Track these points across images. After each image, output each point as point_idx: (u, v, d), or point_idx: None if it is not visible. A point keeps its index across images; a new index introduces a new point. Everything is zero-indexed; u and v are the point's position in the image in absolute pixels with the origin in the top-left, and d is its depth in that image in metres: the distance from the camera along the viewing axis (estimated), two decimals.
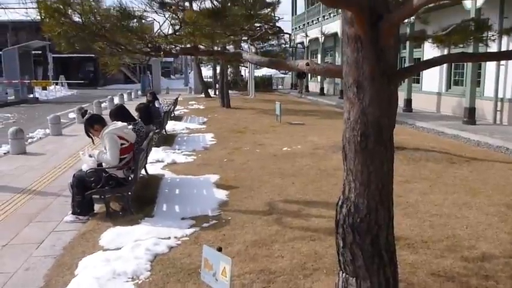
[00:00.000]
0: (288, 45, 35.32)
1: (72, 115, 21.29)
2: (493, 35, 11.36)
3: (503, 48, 15.69)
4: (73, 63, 55.03)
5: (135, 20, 4.25)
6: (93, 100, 24.94)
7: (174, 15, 4.65)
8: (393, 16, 3.42)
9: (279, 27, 6.34)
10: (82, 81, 47.20)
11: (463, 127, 16.05)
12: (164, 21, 4.61)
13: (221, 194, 7.66)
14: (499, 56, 5.37)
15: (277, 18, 7.21)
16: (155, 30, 4.64)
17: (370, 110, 3.53)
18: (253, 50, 5.04)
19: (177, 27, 4.50)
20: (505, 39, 13.48)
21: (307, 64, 4.05)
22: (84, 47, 4.34)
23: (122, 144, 6.80)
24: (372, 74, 3.50)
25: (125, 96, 32.07)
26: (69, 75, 50.09)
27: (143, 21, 4.36)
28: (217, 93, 33.57)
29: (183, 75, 72.66)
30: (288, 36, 29.17)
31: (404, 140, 12.82)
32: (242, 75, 49.64)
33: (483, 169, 9.64)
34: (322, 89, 36.53)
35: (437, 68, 20.51)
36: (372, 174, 3.47)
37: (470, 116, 16.71)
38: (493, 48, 15.19)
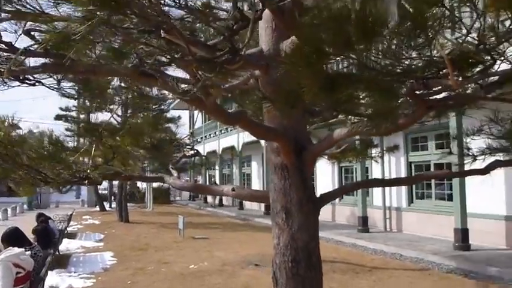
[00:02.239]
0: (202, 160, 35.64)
1: None
2: (379, 152, 12.66)
3: (387, 162, 17.48)
4: None
5: (68, 151, 4.12)
6: None
7: (107, 145, 4.59)
8: (315, 147, 3.72)
9: (197, 150, 6.47)
10: None
11: (358, 235, 16.93)
12: (94, 150, 4.52)
13: None
14: (408, 182, 5.95)
15: (194, 141, 7.42)
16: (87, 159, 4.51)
17: (299, 236, 3.64)
18: (175, 174, 5.03)
19: (110, 156, 4.43)
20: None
21: (233, 189, 4.15)
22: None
23: (17, 273, 6.05)
24: (300, 201, 3.67)
25: (9, 211, 29.27)
26: None
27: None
28: (113, 206, 32.10)
29: (74, 186, 68.87)
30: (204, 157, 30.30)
31: None
32: (138, 187, 48.47)
33: (386, 278, 10.10)
34: (221, 199, 36.80)
35: (330, 180, 22.01)
36: None
37: (364, 224, 17.80)
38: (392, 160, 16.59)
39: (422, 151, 16.58)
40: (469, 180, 12.44)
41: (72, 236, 18.68)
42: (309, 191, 3.71)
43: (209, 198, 40.20)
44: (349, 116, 3.48)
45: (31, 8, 2.33)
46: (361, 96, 2.86)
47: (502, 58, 2.37)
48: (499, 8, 1.73)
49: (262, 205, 27.58)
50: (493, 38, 2.30)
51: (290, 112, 2.95)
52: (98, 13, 1.80)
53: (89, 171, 4.11)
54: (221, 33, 2.43)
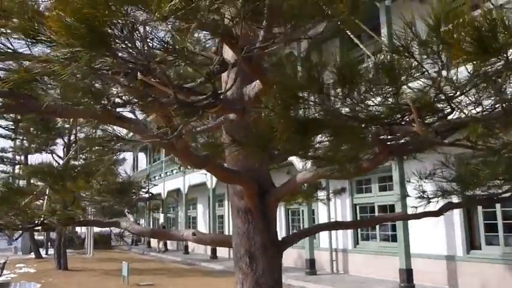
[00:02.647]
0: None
1: None
2: (326, 195, 12.93)
3: (332, 204, 17.82)
4: None
5: (20, 194, 3.87)
6: None
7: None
8: (278, 190, 3.75)
9: (152, 194, 6.36)
10: None
11: (306, 278, 16.90)
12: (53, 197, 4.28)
13: None
14: (370, 223, 6.08)
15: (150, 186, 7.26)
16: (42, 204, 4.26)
17: (264, 280, 3.60)
18: (132, 219, 4.82)
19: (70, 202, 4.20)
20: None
21: (194, 234, 4.06)
22: None
23: None
24: (264, 245, 3.65)
25: None
26: None
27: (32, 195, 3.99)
28: (50, 253, 30.20)
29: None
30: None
31: None
32: (77, 232, 46.15)
33: None
34: (165, 244, 35.70)
35: (277, 223, 22.00)
36: None
37: (311, 266, 17.82)
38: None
39: (367, 193, 17.06)
40: (411, 221, 12.91)
41: (4, 286, 17.30)
42: (272, 235, 3.71)
43: (154, 243, 38.84)
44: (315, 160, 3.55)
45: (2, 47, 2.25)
46: (326, 140, 2.95)
47: (459, 107, 2.55)
48: (466, 59, 1.88)
49: (209, 249, 27.03)
50: (452, 89, 2.47)
51: (262, 155, 2.98)
52: (83, 54, 1.77)
53: (44, 216, 3.88)
54: (202, 77, 2.46)
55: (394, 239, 14.89)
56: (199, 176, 25.50)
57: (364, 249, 16.82)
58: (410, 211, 11.47)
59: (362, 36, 15.23)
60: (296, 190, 4.28)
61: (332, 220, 18.19)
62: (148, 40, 2.21)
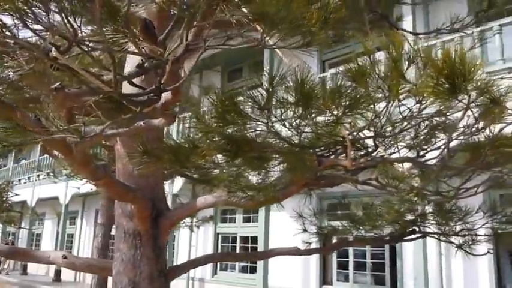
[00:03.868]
0: None
1: None
2: (195, 222, 12.59)
3: (195, 232, 17.49)
4: None
5: None
6: None
7: None
8: (175, 213, 3.38)
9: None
10: None
11: None
12: None
13: None
14: (263, 256, 5.89)
15: None
16: None
17: None
18: None
19: None
20: None
21: (64, 257, 3.43)
22: None
23: None
24: (151, 274, 3.23)
25: None
26: None
27: None
28: None
29: None
30: None
31: None
32: None
33: None
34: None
35: None
36: None
37: None
38: None
39: (231, 223, 17.10)
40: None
41: None
42: (161, 263, 3.29)
43: None
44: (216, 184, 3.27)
45: None
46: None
47: (383, 145, 2.55)
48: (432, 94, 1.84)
49: (52, 270, 24.35)
50: (378, 128, 2.45)
51: (177, 171, 2.61)
52: None
53: None
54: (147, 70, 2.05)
55: (252, 270, 15.03)
56: (51, 188, 23.13)
57: (222, 279, 16.66)
58: (275, 245, 11.68)
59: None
60: (193, 213, 3.94)
61: (193, 251, 17.87)
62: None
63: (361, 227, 4.07)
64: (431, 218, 3.79)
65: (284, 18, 1.78)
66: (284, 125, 2.23)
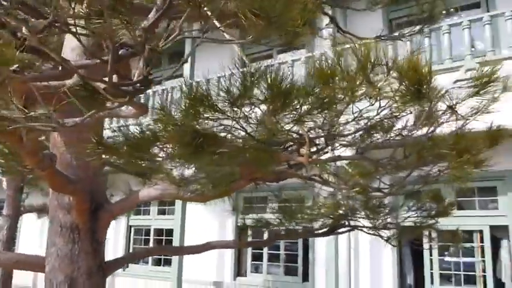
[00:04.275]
0: None
1: None
2: None
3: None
4: None
5: None
6: None
7: None
8: (115, 206, 3.27)
9: None
10: None
11: None
12: None
13: None
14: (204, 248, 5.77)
15: None
16: None
17: None
18: None
19: None
20: None
21: None
22: None
23: None
24: (90, 269, 3.10)
25: None
26: None
27: None
28: None
29: None
30: None
31: None
32: None
33: None
34: None
35: None
36: None
37: None
38: None
39: (144, 215, 16.70)
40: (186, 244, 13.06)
41: None
42: (100, 258, 3.15)
43: None
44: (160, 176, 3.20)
45: None
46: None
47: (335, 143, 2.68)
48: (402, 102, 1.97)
49: None
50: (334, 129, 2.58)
51: (134, 166, 2.51)
52: None
53: None
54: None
55: (166, 263, 14.83)
56: None
57: (134, 273, 16.21)
58: (192, 238, 11.69)
59: None
60: (135, 206, 3.80)
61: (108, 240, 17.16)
62: None
63: (293, 220, 4.23)
64: (361, 213, 4.04)
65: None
66: (248, 122, 2.26)
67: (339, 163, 3.10)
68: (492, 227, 9.00)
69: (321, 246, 11.21)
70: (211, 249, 4.27)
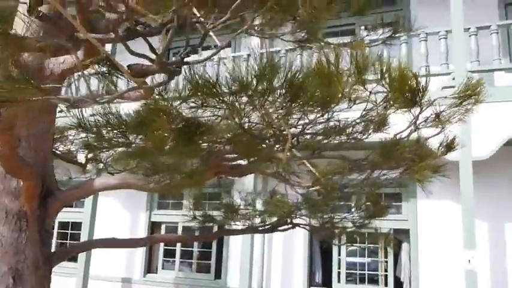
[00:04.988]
0: None
1: None
2: None
3: None
4: None
5: None
6: None
7: None
8: (67, 194, 3.08)
9: None
10: None
11: None
12: None
13: None
14: (148, 242, 5.52)
15: None
16: None
17: None
18: None
19: None
20: None
21: None
22: None
23: None
24: (36, 260, 2.89)
25: None
26: None
27: None
28: None
29: None
30: None
31: None
32: None
33: None
34: None
35: None
36: None
37: None
38: None
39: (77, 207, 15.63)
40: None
41: None
42: (47, 248, 2.92)
43: None
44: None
45: None
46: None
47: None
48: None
49: None
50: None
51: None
52: None
53: None
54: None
55: (72, 258, 14.02)
56: None
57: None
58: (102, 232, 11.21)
59: None
60: (89, 195, 3.55)
61: None
62: None
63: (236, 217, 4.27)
64: (302, 211, 4.19)
65: None
66: (241, 114, 2.26)
67: (298, 162, 3.20)
68: (395, 230, 9.73)
69: (235, 243, 11.29)
70: (159, 242, 4.17)
